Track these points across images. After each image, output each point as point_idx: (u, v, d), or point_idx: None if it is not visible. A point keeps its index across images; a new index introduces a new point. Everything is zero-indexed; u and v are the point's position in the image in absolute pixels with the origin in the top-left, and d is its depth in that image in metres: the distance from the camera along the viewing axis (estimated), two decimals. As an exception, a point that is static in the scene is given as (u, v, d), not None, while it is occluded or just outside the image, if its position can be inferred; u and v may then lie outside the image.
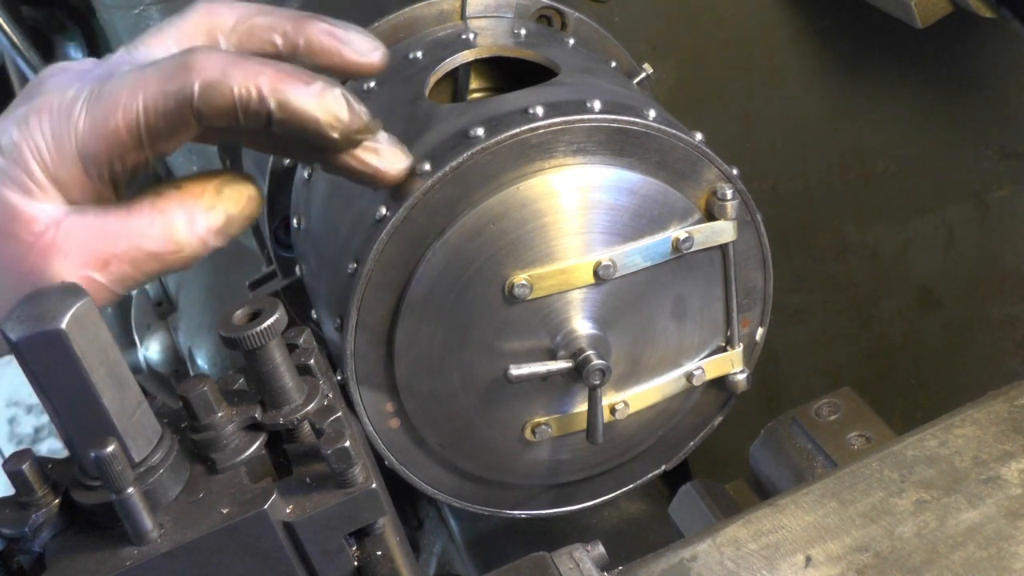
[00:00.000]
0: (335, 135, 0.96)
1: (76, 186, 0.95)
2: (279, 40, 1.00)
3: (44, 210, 0.94)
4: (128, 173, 0.96)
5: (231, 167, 1.49)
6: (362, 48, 1.01)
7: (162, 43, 1.01)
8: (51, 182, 0.94)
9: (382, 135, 1.02)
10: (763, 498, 1.15)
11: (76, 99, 0.94)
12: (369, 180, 1.03)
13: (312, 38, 1.00)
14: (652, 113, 1.10)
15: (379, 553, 0.83)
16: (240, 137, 1.01)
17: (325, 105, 0.95)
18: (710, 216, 1.12)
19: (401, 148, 1.03)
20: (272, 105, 0.93)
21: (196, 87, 0.92)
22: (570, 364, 1.10)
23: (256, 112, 0.93)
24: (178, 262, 0.97)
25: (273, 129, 0.95)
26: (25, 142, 0.94)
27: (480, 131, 1.05)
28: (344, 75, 0.99)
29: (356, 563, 0.83)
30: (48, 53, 2.34)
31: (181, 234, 0.96)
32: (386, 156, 1.02)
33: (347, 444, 0.78)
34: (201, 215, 0.97)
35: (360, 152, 1.00)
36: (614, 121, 1.07)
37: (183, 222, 0.96)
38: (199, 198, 0.97)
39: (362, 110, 0.97)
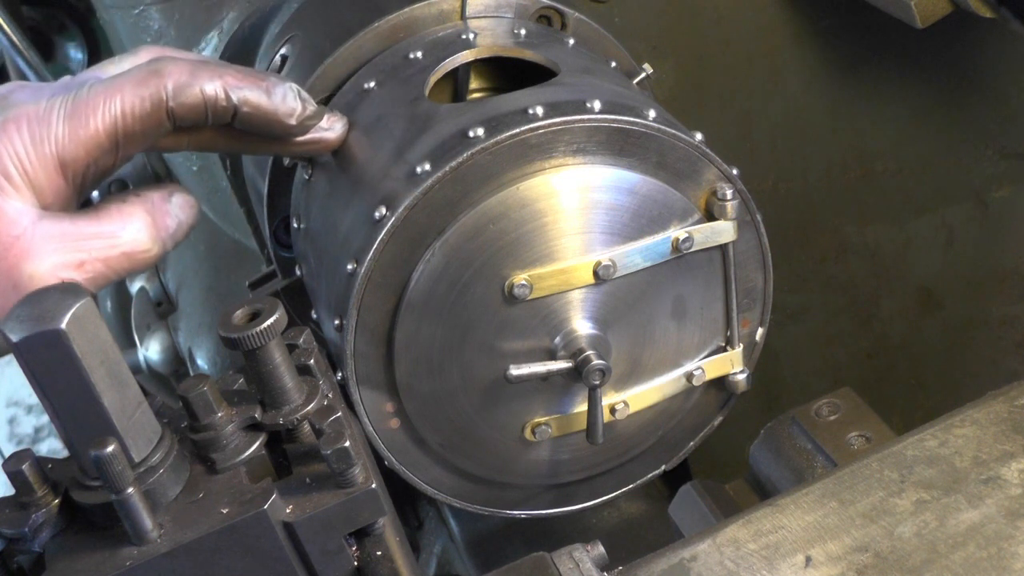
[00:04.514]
0: (292, 122, 1.10)
1: (51, 190, 1.03)
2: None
3: (22, 212, 1.02)
4: (99, 177, 1.05)
5: (232, 167, 1.49)
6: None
7: (118, 70, 1.09)
8: (28, 186, 1.02)
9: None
10: (763, 498, 1.15)
11: (52, 107, 1.02)
12: (317, 151, 1.16)
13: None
14: (652, 113, 1.09)
15: (379, 553, 0.83)
16: (198, 142, 1.10)
17: (281, 98, 1.08)
18: (710, 216, 1.12)
19: (336, 115, 1.16)
20: (236, 101, 1.04)
21: (169, 88, 1.02)
22: (570, 364, 1.10)
23: (224, 109, 1.06)
24: (145, 261, 1.09)
25: (235, 124, 1.06)
26: (4, 147, 1.01)
27: (480, 131, 1.05)
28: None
29: (356, 563, 0.83)
30: (48, 53, 2.34)
31: (148, 235, 1.08)
32: (326, 126, 1.15)
33: (347, 444, 0.78)
34: (162, 219, 1.09)
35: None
36: (614, 121, 1.07)
37: (148, 225, 1.08)
38: (157, 205, 1.09)
39: (309, 99, 1.11)
